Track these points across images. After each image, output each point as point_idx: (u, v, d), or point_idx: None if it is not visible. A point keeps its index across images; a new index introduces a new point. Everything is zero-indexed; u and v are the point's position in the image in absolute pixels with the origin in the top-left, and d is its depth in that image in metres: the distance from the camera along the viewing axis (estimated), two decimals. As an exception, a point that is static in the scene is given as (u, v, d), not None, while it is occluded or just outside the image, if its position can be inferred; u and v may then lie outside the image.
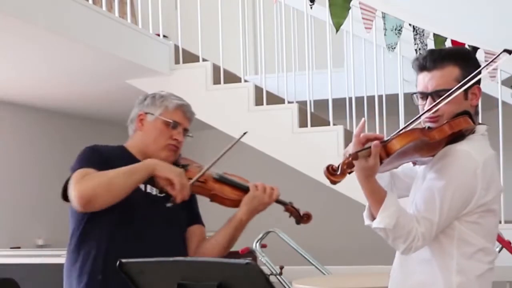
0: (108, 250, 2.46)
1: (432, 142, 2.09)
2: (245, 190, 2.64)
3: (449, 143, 2.14)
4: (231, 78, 5.49)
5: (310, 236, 6.82)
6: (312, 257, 4.83)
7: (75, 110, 6.83)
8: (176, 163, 2.63)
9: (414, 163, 2.25)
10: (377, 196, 2.08)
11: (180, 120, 2.63)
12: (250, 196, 2.59)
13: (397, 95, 5.05)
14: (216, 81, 5.41)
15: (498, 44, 4.92)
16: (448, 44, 4.85)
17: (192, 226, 2.70)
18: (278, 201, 2.70)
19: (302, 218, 2.76)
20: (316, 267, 4.77)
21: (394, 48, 4.80)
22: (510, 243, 3.77)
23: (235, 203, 2.63)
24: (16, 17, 3.99)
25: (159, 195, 2.56)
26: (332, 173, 2.00)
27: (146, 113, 2.63)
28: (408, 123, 2.17)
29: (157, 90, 2.74)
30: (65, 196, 2.48)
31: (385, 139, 2.08)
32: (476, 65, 2.22)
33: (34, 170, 6.58)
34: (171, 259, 1.90)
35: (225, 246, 2.64)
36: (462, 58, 2.20)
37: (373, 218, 2.11)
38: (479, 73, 2.18)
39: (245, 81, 5.45)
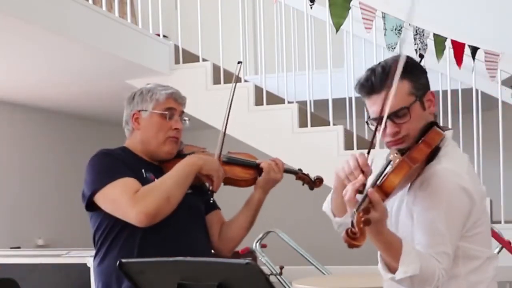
0: (141, 254, 2.42)
1: (419, 165, 1.94)
2: (254, 166, 2.68)
3: (427, 162, 2.00)
4: (231, 78, 5.47)
5: (310, 236, 6.83)
6: (312, 257, 4.83)
7: (75, 110, 6.83)
8: (179, 153, 2.64)
9: None
10: (394, 246, 1.89)
11: (175, 106, 2.63)
12: (265, 179, 2.65)
13: (397, 95, 5.04)
14: (216, 81, 5.40)
15: (498, 44, 4.93)
16: (448, 44, 4.85)
17: (210, 213, 2.69)
18: (287, 171, 2.75)
19: (314, 183, 2.83)
20: (316, 267, 4.76)
21: (394, 48, 4.80)
22: (510, 243, 3.76)
23: (249, 183, 2.67)
24: (16, 17, 3.99)
25: (187, 191, 2.54)
26: (353, 236, 1.75)
27: (140, 111, 2.61)
28: (368, 151, 1.91)
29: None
30: (89, 206, 2.48)
31: (374, 181, 1.86)
32: (422, 69, 2.10)
33: (34, 170, 6.58)
34: (171, 259, 1.89)
35: (247, 228, 2.70)
36: (407, 70, 1.95)
37: (390, 270, 1.93)
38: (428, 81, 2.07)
39: (245, 81, 5.44)
